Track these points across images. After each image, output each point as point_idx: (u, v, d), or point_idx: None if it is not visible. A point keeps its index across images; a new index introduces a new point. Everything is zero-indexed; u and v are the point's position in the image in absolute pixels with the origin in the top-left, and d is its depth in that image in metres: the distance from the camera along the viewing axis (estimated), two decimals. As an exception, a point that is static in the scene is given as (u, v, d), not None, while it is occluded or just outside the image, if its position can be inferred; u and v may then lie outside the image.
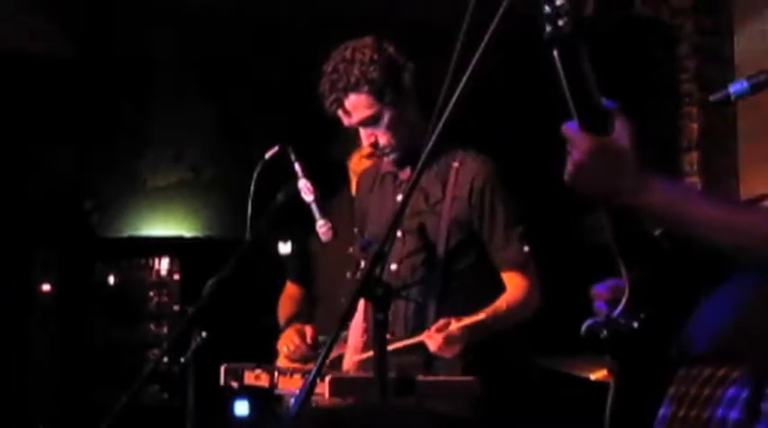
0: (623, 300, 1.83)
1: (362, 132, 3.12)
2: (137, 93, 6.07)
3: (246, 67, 5.95)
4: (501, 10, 1.81)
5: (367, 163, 3.64)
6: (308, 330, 3.51)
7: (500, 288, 3.10)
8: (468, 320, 2.91)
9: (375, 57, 3.03)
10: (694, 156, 5.00)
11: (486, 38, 1.84)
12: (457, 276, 3.06)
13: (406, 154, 3.10)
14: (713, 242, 1.70)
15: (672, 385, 1.82)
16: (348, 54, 3.05)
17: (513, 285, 3.08)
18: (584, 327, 1.87)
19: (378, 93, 3.03)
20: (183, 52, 5.97)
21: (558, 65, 1.69)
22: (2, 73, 5.50)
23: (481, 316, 2.92)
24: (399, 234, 3.07)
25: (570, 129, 1.74)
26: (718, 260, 1.72)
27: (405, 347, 2.95)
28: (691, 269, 1.79)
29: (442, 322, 2.93)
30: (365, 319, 3.09)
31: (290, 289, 3.98)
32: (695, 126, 5.09)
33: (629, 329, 1.82)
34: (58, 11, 5.65)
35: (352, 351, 3.20)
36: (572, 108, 1.72)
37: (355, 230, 3.39)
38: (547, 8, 1.66)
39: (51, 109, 5.73)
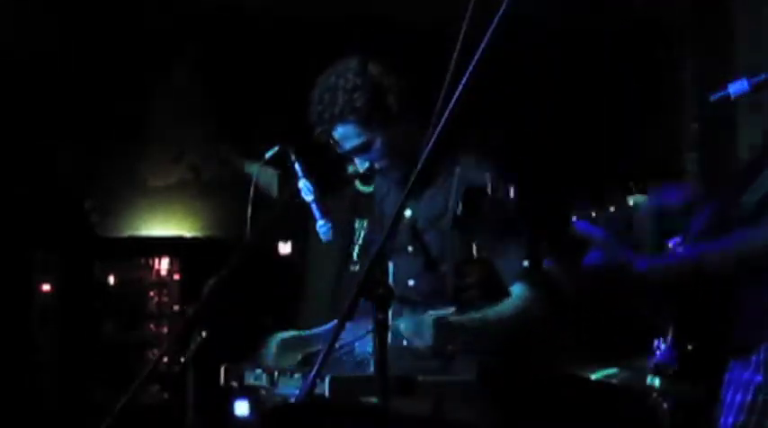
0: (668, 341, 2.07)
1: (357, 160, 3.08)
2: (136, 93, 6.06)
3: (246, 67, 5.94)
4: (500, 11, 1.82)
5: None
6: None
7: None
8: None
9: (359, 82, 2.95)
10: (694, 156, 5.01)
11: (485, 39, 1.84)
12: (470, 286, 3.03)
13: (409, 170, 3.07)
14: (738, 269, 1.83)
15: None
16: (332, 81, 2.99)
17: (515, 295, 3.01)
18: (653, 363, 2.16)
19: (365, 121, 2.97)
20: (182, 52, 5.96)
21: None
22: (1, 72, 5.49)
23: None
24: (410, 249, 3.05)
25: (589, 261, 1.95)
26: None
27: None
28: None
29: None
30: None
31: None
32: (695, 126, 5.09)
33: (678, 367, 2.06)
34: (58, 10, 5.64)
35: None
36: None
37: (356, 225, 3.34)
38: None
39: (51, 108, 5.72)
